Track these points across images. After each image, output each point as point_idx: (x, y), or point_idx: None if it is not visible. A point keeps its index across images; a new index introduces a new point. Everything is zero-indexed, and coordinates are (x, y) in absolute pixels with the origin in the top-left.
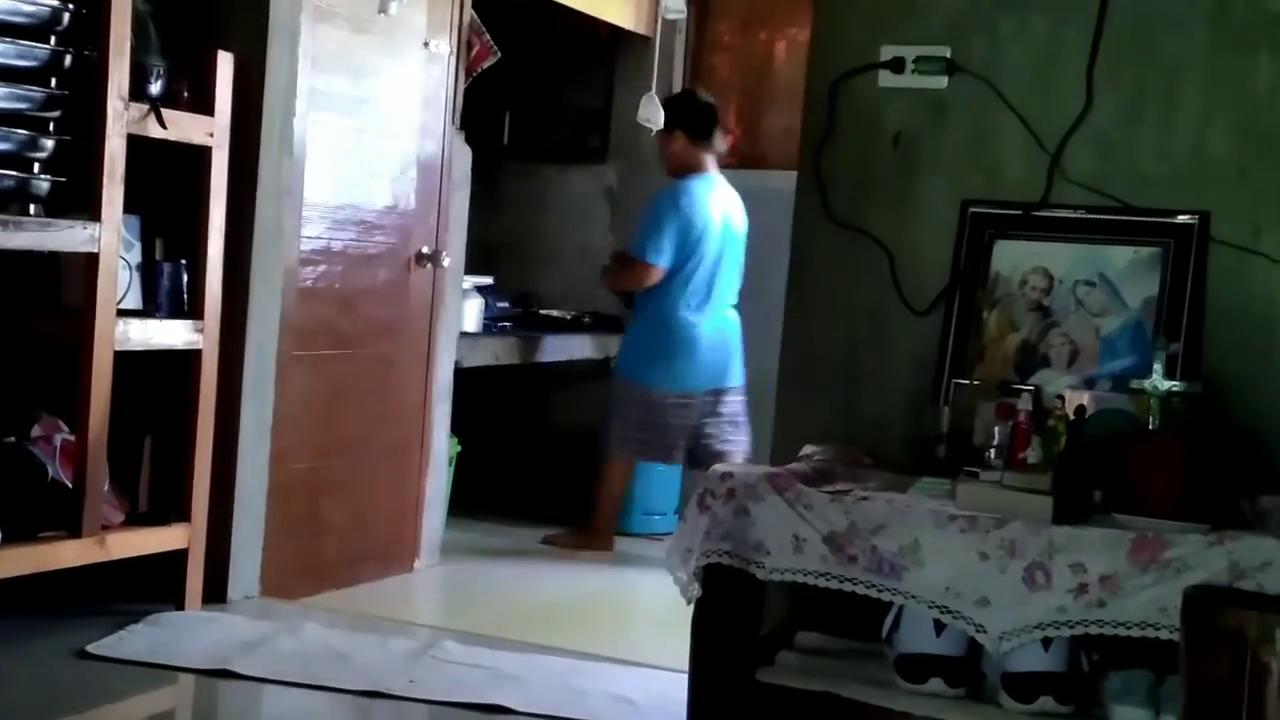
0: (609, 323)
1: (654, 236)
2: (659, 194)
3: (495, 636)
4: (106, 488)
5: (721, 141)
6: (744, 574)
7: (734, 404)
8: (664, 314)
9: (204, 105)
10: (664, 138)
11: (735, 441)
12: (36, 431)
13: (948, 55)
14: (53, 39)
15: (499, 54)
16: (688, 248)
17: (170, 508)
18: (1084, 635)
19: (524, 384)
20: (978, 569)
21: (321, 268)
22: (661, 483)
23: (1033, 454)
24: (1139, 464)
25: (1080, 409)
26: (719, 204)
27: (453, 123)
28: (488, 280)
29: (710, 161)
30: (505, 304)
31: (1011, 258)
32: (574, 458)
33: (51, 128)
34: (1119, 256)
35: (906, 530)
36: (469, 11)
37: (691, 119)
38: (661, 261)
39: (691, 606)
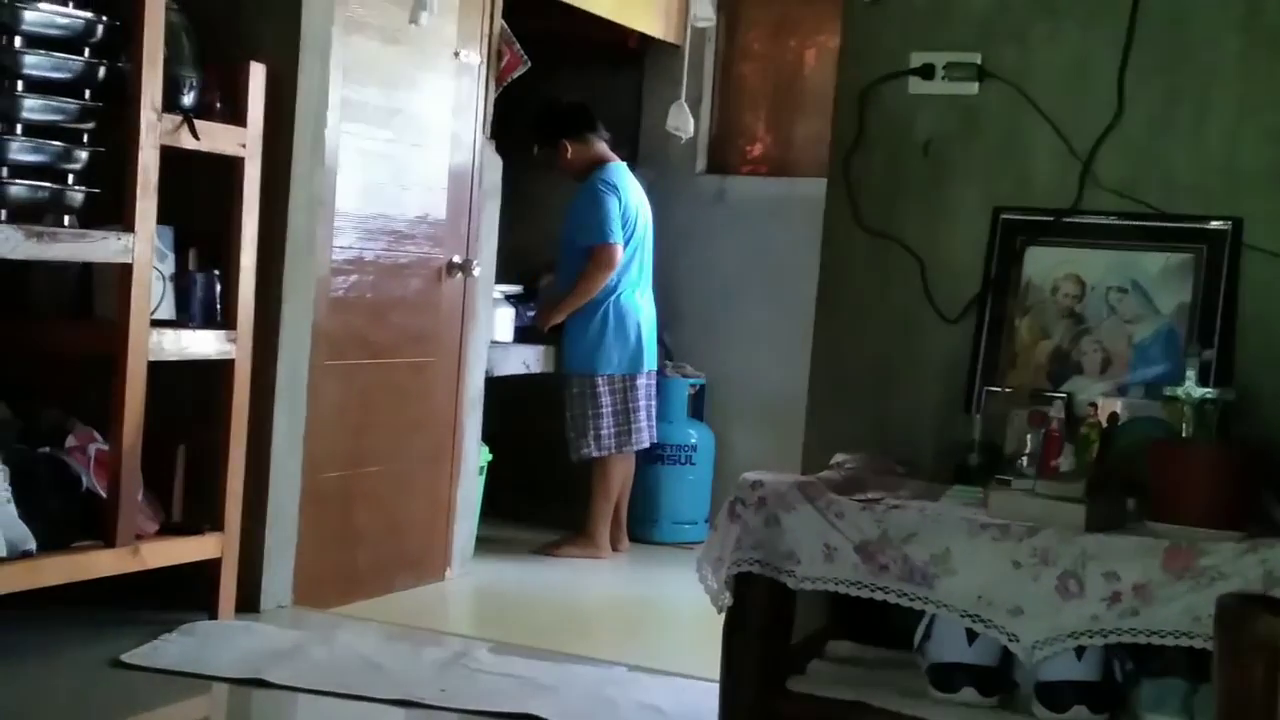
0: None
1: (606, 219)
2: (585, 187)
3: (527, 645)
4: (140, 497)
5: (604, 130)
6: (775, 583)
7: (653, 386)
8: (613, 299)
9: (236, 116)
10: (555, 156)
11: (654, 425)
12: (71, 442)
13: (978, 62)
14: (86, 51)
15: (529, 63)
16: (628, 228)
17: (203, 517)
18: (1117, 644)
19: (555, 392)
20: (1010, 577)
21: (353, 277)
22: (692, 492)
23: (1065, 462)
24: (1172, 472)
25: (1113, 416)
26: (635, 187)
27: (483, 132)
28: (518, 289)
29: (607, 150)
30: (536, 313)
31: (1043, 264)
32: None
33: (85, 139)
34: (1151, 263)
35: (938, 539)
36: (499, 21)
37: (564, 125)
38: (622, 240)
39: (723, 615)
